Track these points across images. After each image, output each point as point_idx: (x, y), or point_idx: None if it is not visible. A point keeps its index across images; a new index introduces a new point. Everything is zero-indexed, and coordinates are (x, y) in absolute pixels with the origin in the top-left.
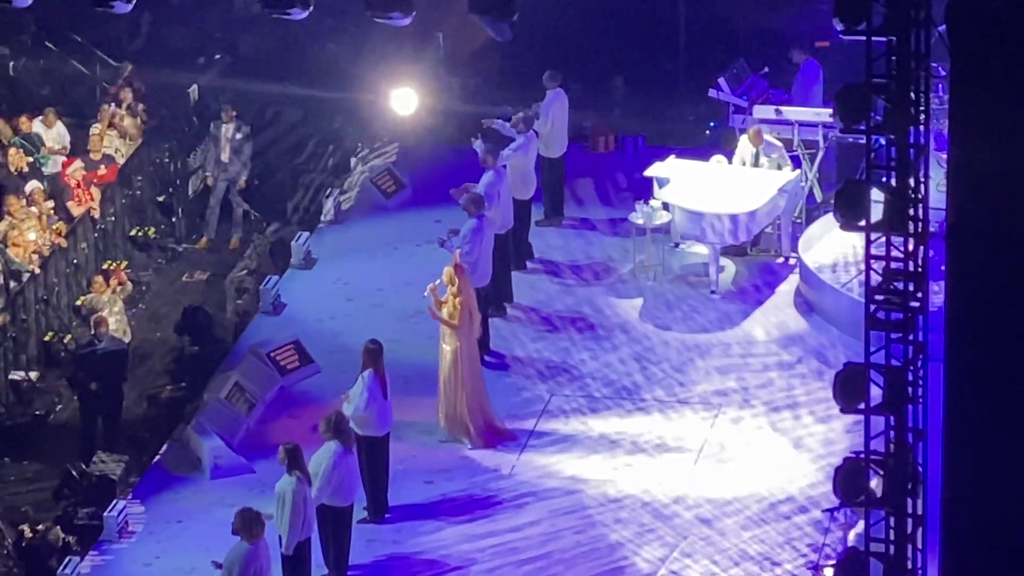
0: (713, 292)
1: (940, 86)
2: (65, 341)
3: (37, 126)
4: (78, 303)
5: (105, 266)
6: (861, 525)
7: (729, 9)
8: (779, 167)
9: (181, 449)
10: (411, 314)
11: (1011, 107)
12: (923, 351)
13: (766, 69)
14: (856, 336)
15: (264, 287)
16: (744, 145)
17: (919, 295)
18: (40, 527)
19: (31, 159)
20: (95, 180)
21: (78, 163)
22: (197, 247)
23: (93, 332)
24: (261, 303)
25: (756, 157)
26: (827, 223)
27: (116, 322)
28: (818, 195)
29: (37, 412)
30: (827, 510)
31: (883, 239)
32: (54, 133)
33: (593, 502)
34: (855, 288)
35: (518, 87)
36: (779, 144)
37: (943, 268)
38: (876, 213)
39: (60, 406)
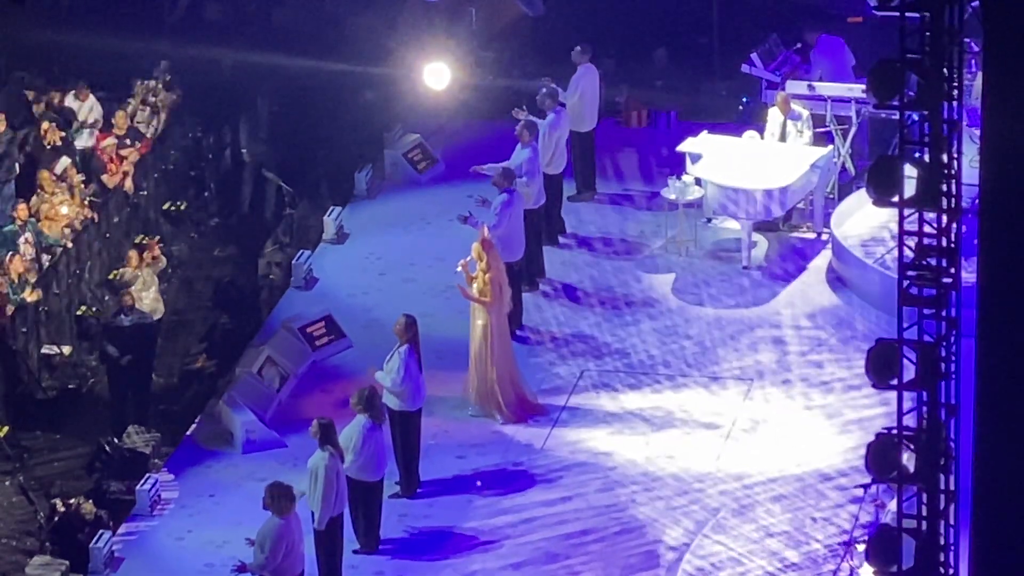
0: (745, 267)
1: (973, 62)
2: (97, 315)
3: (70, 100)
4: (111, 277)
5: (138, 240)
6: (894, 502)
7: None
8: (800, 133)
9: (213, 423)
10: (443, 289)
11: None
12: (956, 327)
13: (799, 44)
14: (888, 312)
15: (296, 262)
16: (773, 115)
17: (952, 271)
18: (72, 501)
19: (64, 133)
20: (129, 155)
21: (111, 138)
22: (230, 222)
23: (120, 306)
24: (293, 278)
25: (784, 125)
26: (860, 199)
27: (152, 298)
28: (851, 170)
29: (69, 386)
30: (859, 486)
31: (916, 215)
32: (87, 107)
33: (625, 477)
34: (888, 264)
35: (551, 61)
36: (804, 112)
37: (976, 244)
38: (909, 189)
39: (92, 380)
